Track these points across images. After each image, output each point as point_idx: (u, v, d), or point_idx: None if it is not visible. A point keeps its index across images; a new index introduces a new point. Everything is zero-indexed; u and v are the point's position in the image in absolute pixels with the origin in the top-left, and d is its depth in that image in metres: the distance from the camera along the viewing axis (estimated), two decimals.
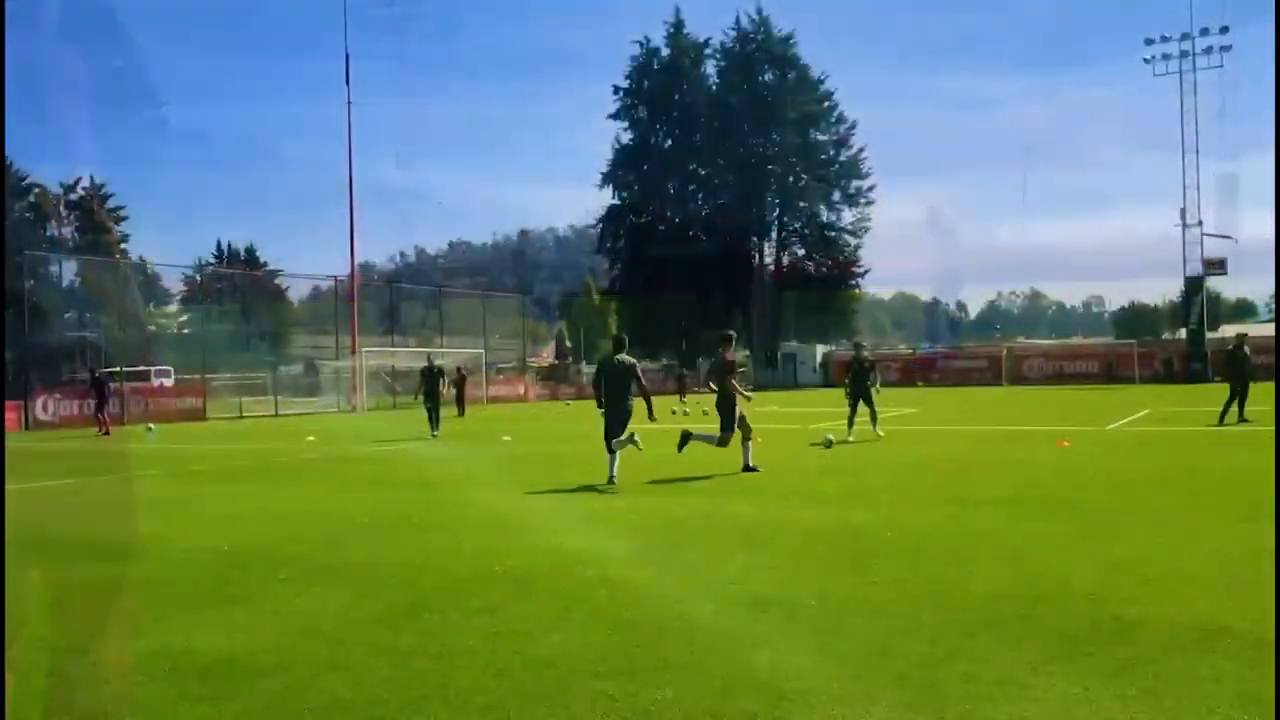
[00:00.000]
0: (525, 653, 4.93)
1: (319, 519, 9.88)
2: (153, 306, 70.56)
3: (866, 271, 72.87)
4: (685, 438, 13.29)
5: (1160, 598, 5.66)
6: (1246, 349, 20.99)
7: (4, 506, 9.33)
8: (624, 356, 12.87)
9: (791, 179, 69.63)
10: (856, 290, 74.47)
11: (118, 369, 37.89)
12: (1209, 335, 56.33)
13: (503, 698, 4.30)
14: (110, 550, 8.34)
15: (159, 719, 4.26)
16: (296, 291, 72.65)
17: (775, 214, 71.52)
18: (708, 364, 13.89)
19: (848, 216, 71.32)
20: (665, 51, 69.83)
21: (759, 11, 69.27)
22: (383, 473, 14.76)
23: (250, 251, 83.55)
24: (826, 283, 70.62)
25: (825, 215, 70.99)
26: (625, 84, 70.33)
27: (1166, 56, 55.59)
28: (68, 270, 59.44)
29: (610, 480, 11.95)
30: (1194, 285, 55.92)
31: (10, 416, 30.12)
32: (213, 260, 78.25)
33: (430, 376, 23.46)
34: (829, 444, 16.44)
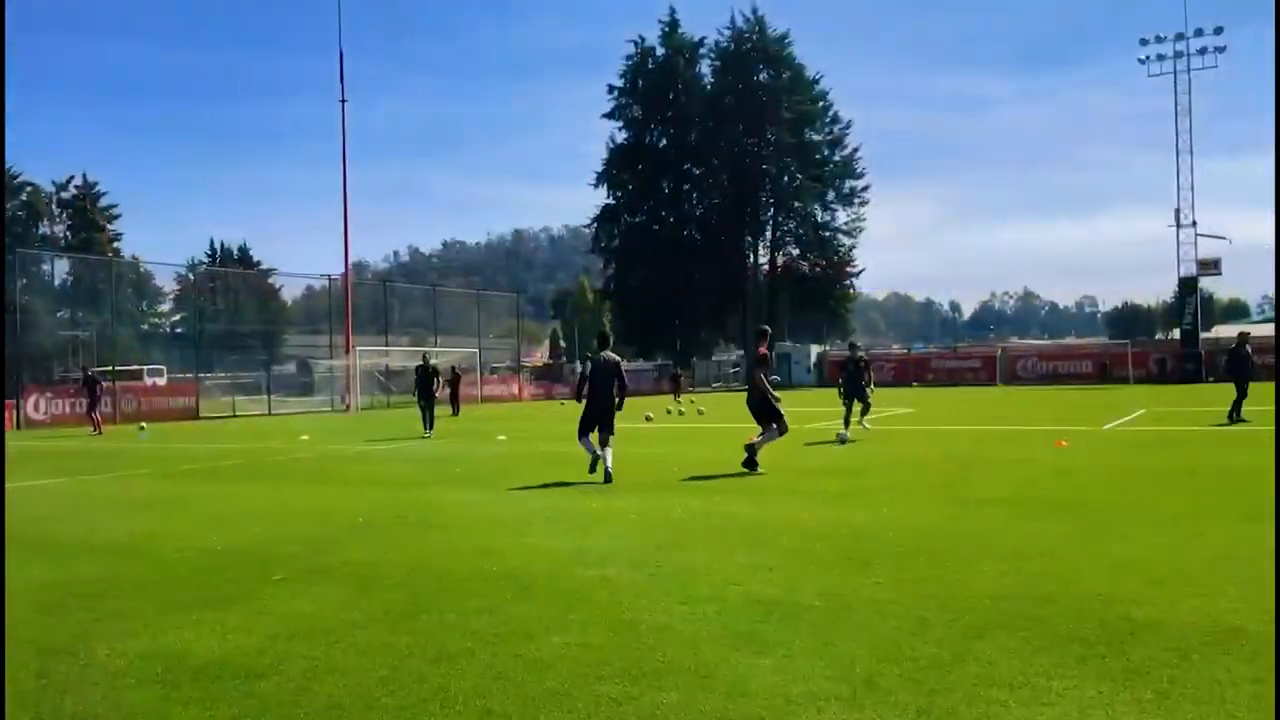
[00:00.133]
0: (525, 655, 4.83)
1: (314, 518, 9.77)
2: (145, 305, 70.39)
3: (861, 271, 73.11)
4: (751, 455, 12.98)
5: (1169, 599, 5.57)
6: (1248, 347, 20.95)
7: (4, 506, 9.26)
8: (609, 353, 13.18)
9: (786, 179, 69.66)
10: (850, 290, 74.48)
11: (110, 368, 37.71)
12: (1202, 335, 56.42)
13: (503, 701, 4.20)
14: (101, 550, 8.21)
15: None
16: (290, 291, 72.55)
17: (769, 214, 71.54)
18: (750, 361, 13.97)
19: (842, 216, 71.52)
20: (660, 51, 69.83)
21: (754, 11, 69.45)
22: (377, 472, 14.65)
23: (243, 250, 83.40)
24: (820, 282, 70.67)
25: (820, 215, 71.07)
26: (620, 83, 70.32)
27: (1161, 57, 55.76)
28: (60, 269, 59.25)
29: (595, 472, 12.36)
30: (1188, 285, 55.99)
31: None
32: (206, 259, 78.08)
33: (424, 375, 23.35)
34: (843, 440, 16.62)
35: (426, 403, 22.93)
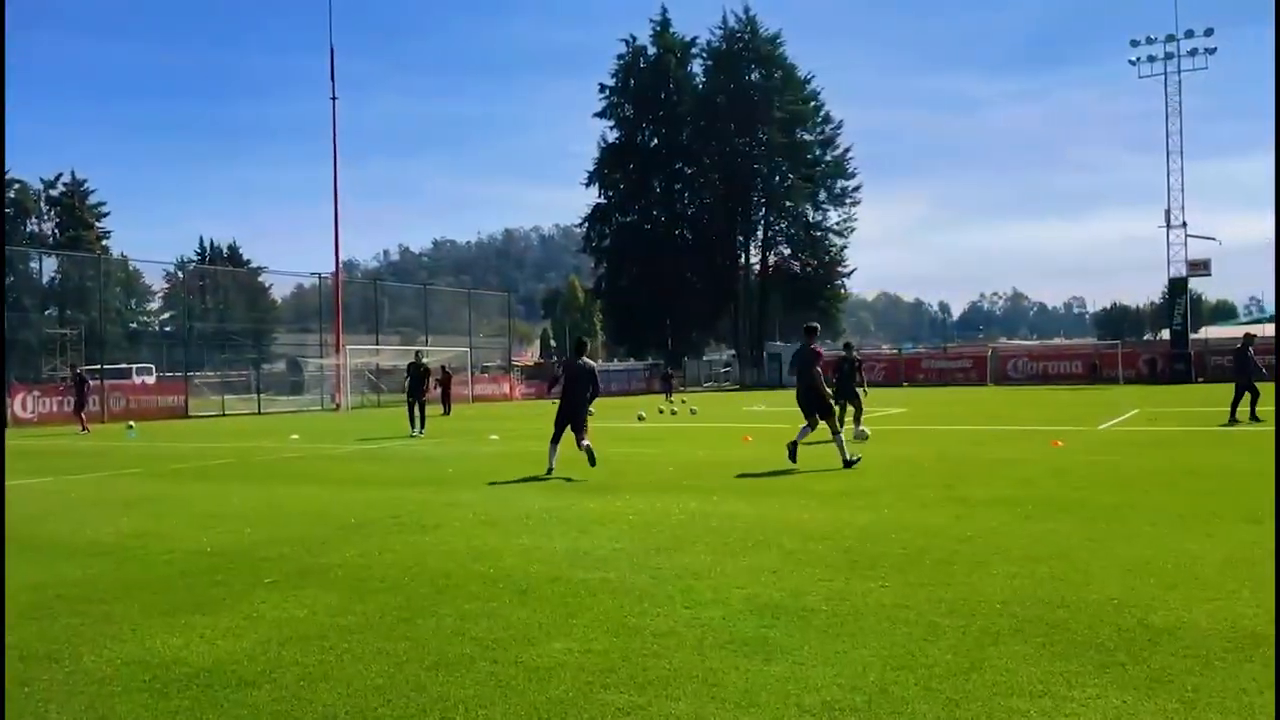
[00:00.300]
0: (526, 661, 4.68)
1: (305, 519, 9.59)
2: (134, 304, 69.97)
3: (852, 271, 72.98)
4: (849, 463, 13.06)
5: (1185, 603, 5.45)
6: (1251, 349, 20.87)
7: (4, 506, 9.07)
8: (586, 360, 13.83)
9: (777, 178, 69.52)
10: (842, 290, 74.41)
11: (98, 366, 37.40)
12: (1191, 336, 56.49)
13: (506, 711, 4.05)
14: (87, 551, 8.02)
15: None
16: (279, 289, 72.24)
17: (761, 213, 71.40)
18: (795, 355, 13.99)
19: (833, 216, 71.35)
20: (652, 50, 69.63)
21: (746, 11, 69.29)
22: (369, 472, 14.47)
23: (233, 249, 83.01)
24: (811, 282, 70.51)
25: (811, 215, 70.93)
26: (611, 82, 70.09)
27: (1152, 58, 55.74)
28: (48, 266, 58.79)
29: (548, 474, 12.82)
30: (1178, 286, 56.05)
31: None
32: (195, 257, 77.66)
33: (416, 374, 23.14)
34: (863, 436, 16.47)
35: (414, 399, 22.73)
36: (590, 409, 14.43)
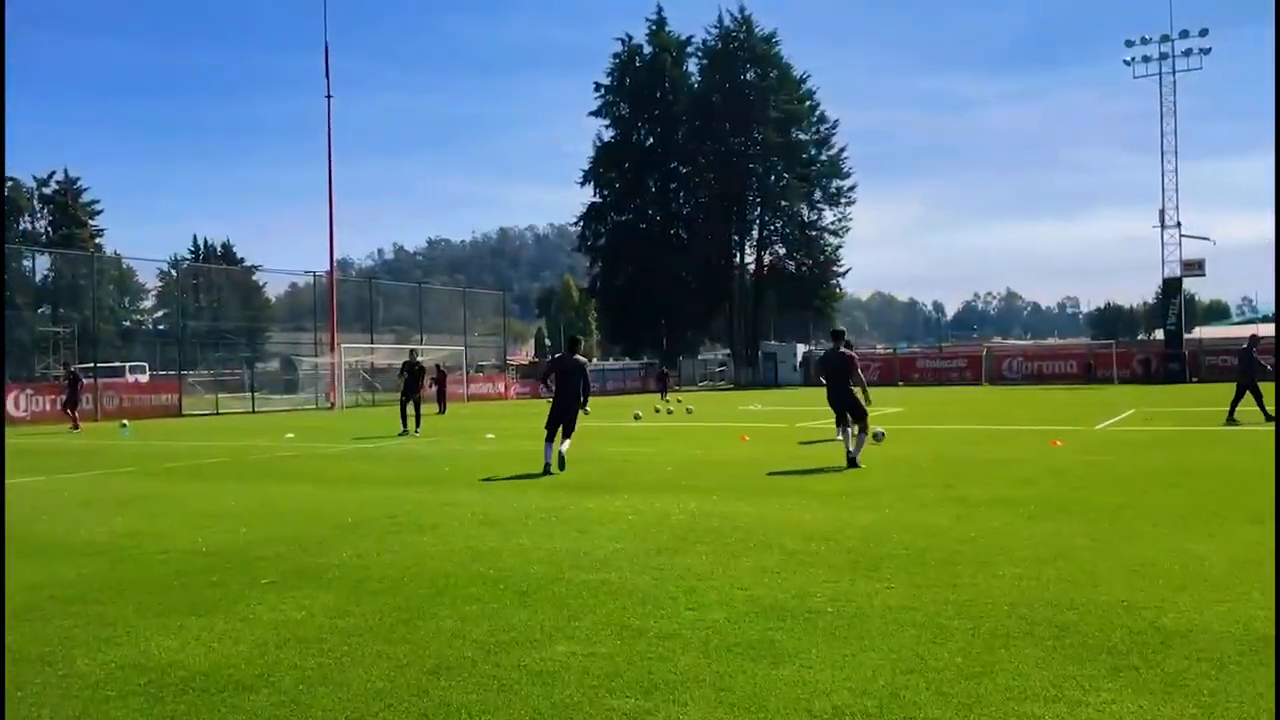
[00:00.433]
0: (529, 665, 4.60)
1: (301, 518, 9.49)
2: (127, 302, 69.74)
3: (847, 271, 72.95)
4: (852, 459, 13.10)
5: (1194, 605, 5.38)
6: (1256, 350, 20.77)
7: (4, 505, 8.96)
8: (579, 356, 14.10)
9: (773, 178, 69.45)
10: (837, 289, 74.37)
11: (92, 364, 37.23)
12: (1185, 336, 56.54)
13: (510, 716, 3.96)
14: (81, 551, 7.92)
15: None
16: (274, 288, 72.04)
17: (756, 212, 71.32)
18: (823, 358, 14.08)
19: (828, 216, 71.32)
20: (647, 49, 69.53)
21: (741, 10, 69.15)
22: (365, 471, 14.37)
23: (227, 247, 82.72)
24: (807, 282, 70.47)
25: (806, 214, 70.86)
26: (607, 81, 69.97)
27: (1147, 59, 55.76)
28: (41, 265, 58.59)
29: (547, 469, 13.11)
30: (1172, 286, 56.08)
31: None
32: (189, 255, 77.40)
33: (412, 372, 23.01)
34: (880, 437, 16.00)
35: (407, 398, 22.58)
36: (585, 408, 14.42)
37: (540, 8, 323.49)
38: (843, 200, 70.64)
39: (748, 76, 69.20)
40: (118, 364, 49.49)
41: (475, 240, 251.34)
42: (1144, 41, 55.76)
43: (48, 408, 31.54)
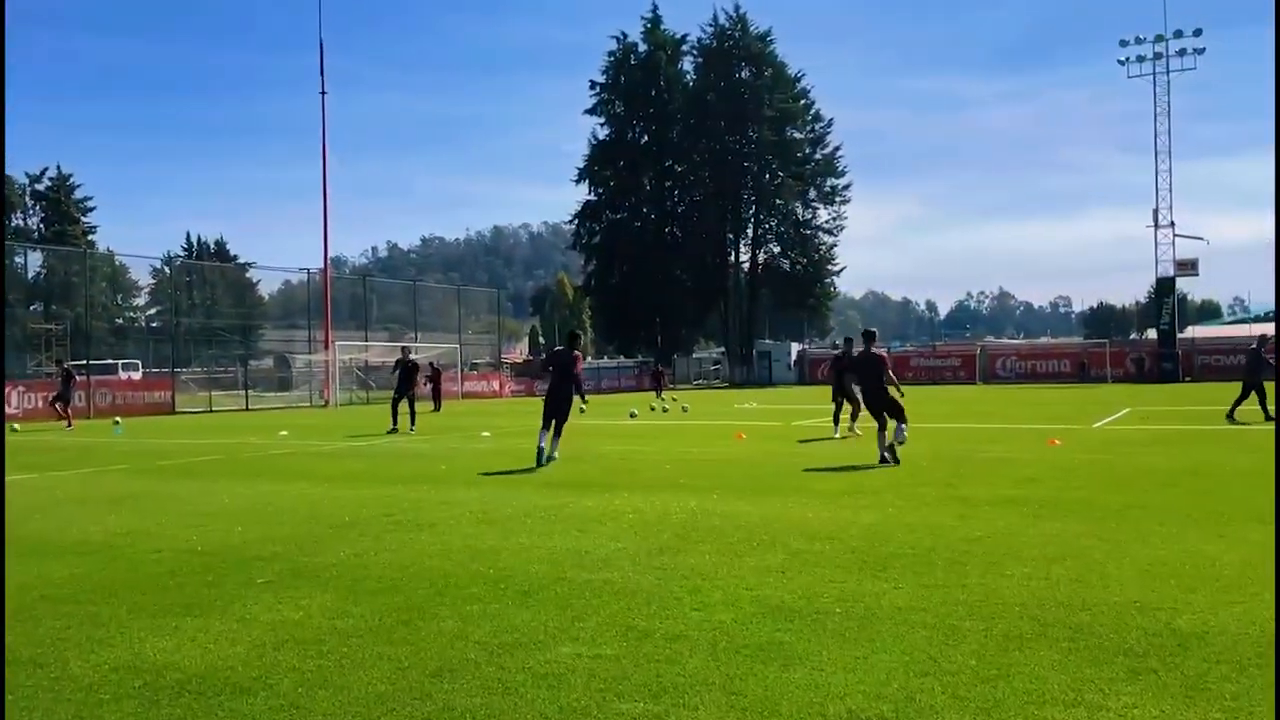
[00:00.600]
0: (534, 668, 4.49)
1: (296, 517, 9.37)
2: (120, 299, 69.43)
3: (842, 269, 72.86)
4: (886, 458, 13.09)
5: (1209, 606, 5.29)
6: (1265, 349, 20.66)
7: (4, 504, 8.81)
8: (576, 352, 14.54)
9: (767, 176, 69.32)
10: (831, 288, 74.31)
11: (84, 362, 37.01)
12: (1178, 336, 56.61)
13: None
14: (73, 550, 7.79)
15: None
16: (267, 285, 71.72)
17: (751, 211, 71.15)
18: (857, 360, 14.04)
19: (823, 215, 71.15)
20: (642, 47, 69.33)
21: (736, 9, 68.94)
22: (360, 468, 14.24)
23: (220, 244, 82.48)
24: (801, 281, 70.37)
25: (801, 213, 70.73)
26: (602, 79, 69.78)
27: (1141, 58, 55.80)
28: (33, 261, 58.28)
29: (542, 460, 13.54)
30: (1165, 285, 56.13)
31: None
32: (182, 252, 77.11)
33: (404, 369, 22.83)
34: (900, 437, 15.39)
35: (399, 396, 22.40)
36: (581, 406, 14.59)
37: (536, 6, 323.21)
38: (837, 199, 70.54)
39: (743, 75, 69.04)
40: (110, 361, 49.27)
41: (469, 238, 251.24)
42: (1138, 41, 55.81)
43: (40, 405, 31.32)
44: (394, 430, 21.59)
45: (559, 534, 8.06)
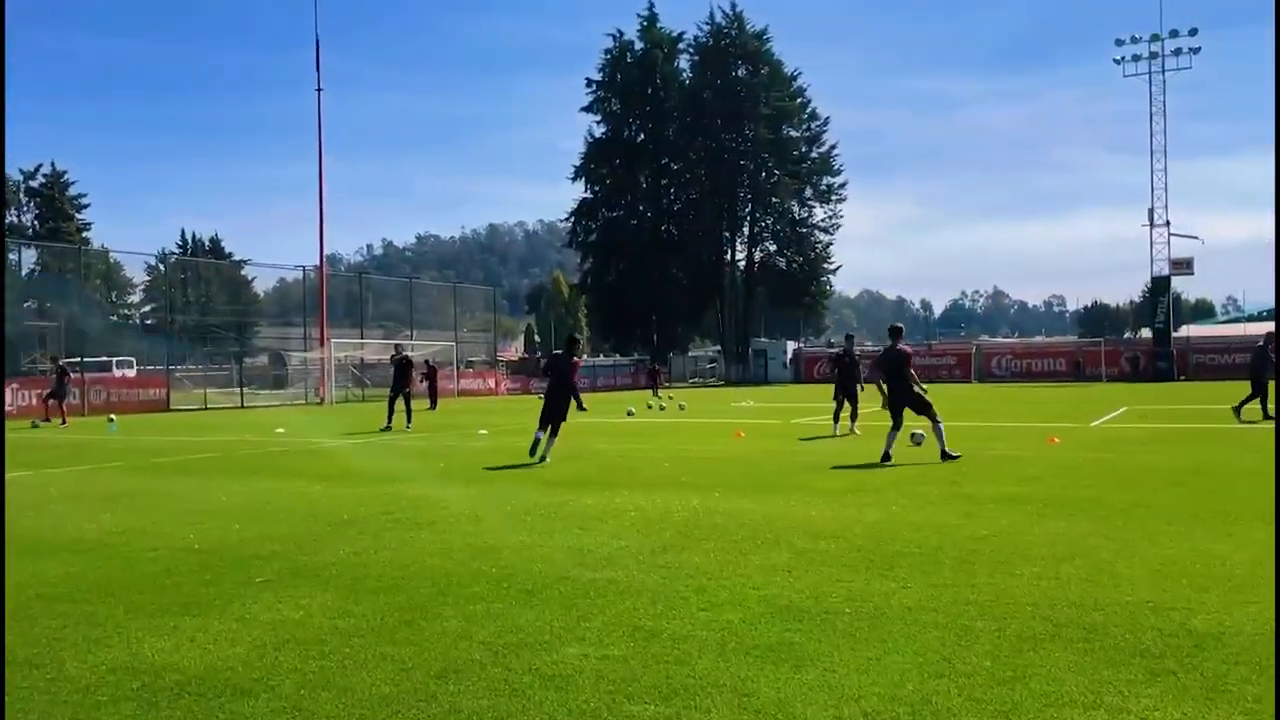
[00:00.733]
0: (541, 669, 4.40)
1: (294, 515, 9.27)
2: (115, 296, 69.15)
3: (838, 268, 72.81)
4: (945, 454, 13.14)
5: (1223, 606, 5.22)
6: (1271, 348, 20.52)
7: (4, 503, 8.69)
8: (576, 358, 14.82)
9: (764, 174, 69.23)
10: (827, 287, 74.24)
11: (78, 359, 36.82)
12: (1173, 335, 56.64)
13: None
14: (68, 548, 7.69)
15: None
16: (262, 283, 71.50)
17: (747, 209, 71.08)
18: (885, 357, 13.97)
19: (819, 213, 71.11)
20: (639, 45, 69.22)
21: (733, 7, 68.85)
22: (358, 466, 14.14)
23: (215, 242, 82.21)
24: (797, 279, 70.29)
25: (797, 211, 70.69)
26: (598, 77, 69.67)
27: (1137, 58, 55.78)
28: (27, 258, 58.04)
29: (536, 452, 13.66)
30: (1160, 285, 56.15)
31: None
32: (177, 250, 76.85)
33: (399, 366, 22.70)
34: (919, 440, 14.94)
35: (395, 394, 22.27)
36: (580, 409, 14.57)
37: (532, 5, 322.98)
38: (833, 197, 70.49)
39: (739, 73, 68.94)
40: (104, 358, 49.04)
41: (465, 236, 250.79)
42: (1134, 40, 55.80)
43: (34, 402, 31.15)
44: (388, 428, 21.48)
45: (560, 532, 7.97)
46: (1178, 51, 54.96)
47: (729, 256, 71.79)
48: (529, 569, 6.54)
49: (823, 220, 70.88)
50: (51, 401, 27.36)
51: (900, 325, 15.13)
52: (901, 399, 13.63)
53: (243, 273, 66.72)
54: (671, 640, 4.79)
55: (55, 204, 73.21)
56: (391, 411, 22.10)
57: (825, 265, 71.61)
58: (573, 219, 71.09)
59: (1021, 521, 8.06)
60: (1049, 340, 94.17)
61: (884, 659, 4.44)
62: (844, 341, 20.05)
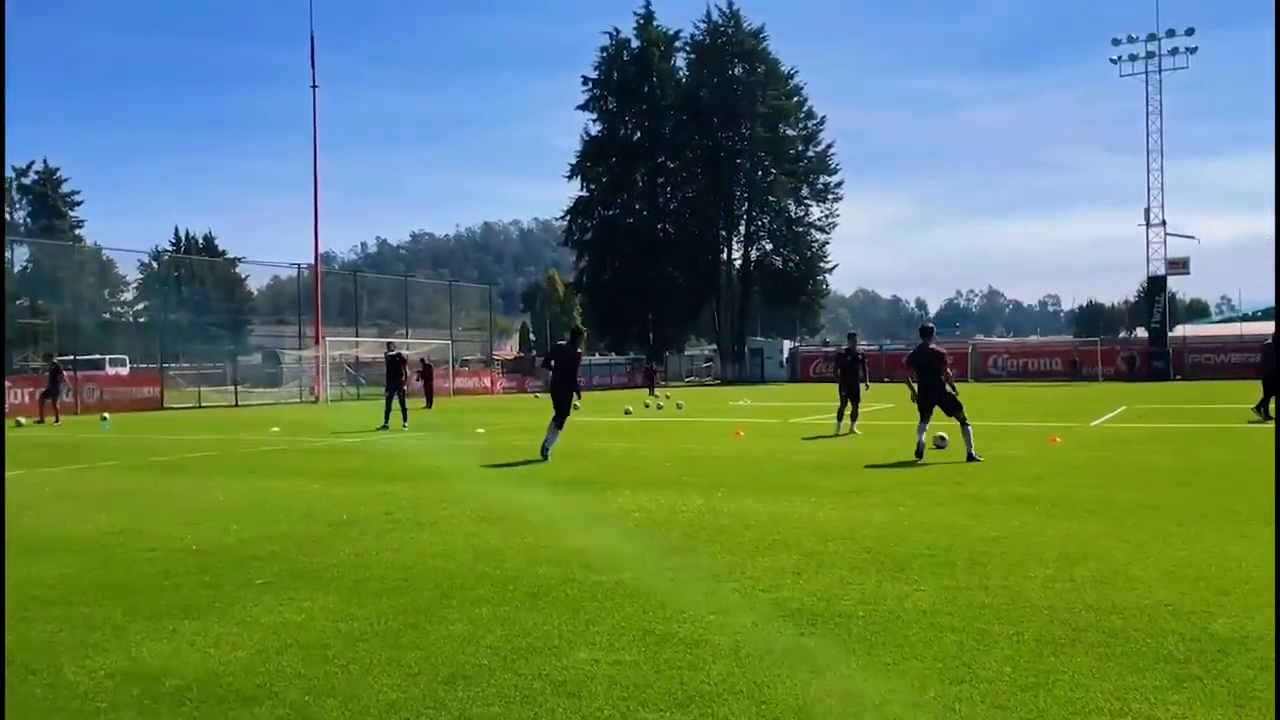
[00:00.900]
0: (551, 674, 4.30)
1: (293, 515, 9.15)
2: (108, 293, 68.87)
3: (834, 267, 72.76)
4: (972, 456, 12.99)
5: (1243, 609, 5.13)
6: None
7: (4, 502, 8.56)
8: (580, 350, 14.93)
9: (760, 173, 69.21)
10: (823, 286, 74.21)
11: (71, 357, 36.62)
12: (1169, 334, 56.67)
13: None
14: (64, 549, 7.56)
15: None
16: (256, 281, 71.32)
17: (743, 208, 71.06)
18: (915, 356, 13.91)
19: (815, 212, 71.14)
20: (635, 43, 69.13)
21: (730, 5, 68.78)
22: (356, 465, 14.01)
23: (209, 239, 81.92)
24: (793, 278, 70.25)
25: (793, 210, 70.67)
26: (595, 75, 69.55)
27: (1134, 57, 55.81)
28: (20, 255, 57.74)
29: (543, 454, 13.71)
30: (1156, 284, 56.18)
31: None
32: (170, 247, 76.56)
33: (392, 364, 22.54)
34: (942, 444, 14.26)
35: (390, 393, 22.09)
36: (576, 403, 14.55)
37: (528, 3, 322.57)
38: (830, 196, 70.51)
39: (735, 71, 68.93)
40: (97, 356, 48.81)
41: (459, 234, 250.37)
42: (1130, 40, 55.83)
43: (27, 400, 30.97)
44: (385, 427, 21.34)
45: (563, 533, 7.86)
46: (1174, 51, 55.02)
47: (725, 255, 71.76)
48: (534, 571, 6.44)
49: (819, 219, 70.96)
50: (48, 401, 27.21)
51: (931, 325, 15.21)
52: (933, 397, 13.63)
53: (236, 270, 66.53)
54: (684, 645, 4.69)
55: (48, 201, 72.96)
56: (388, 410, 21.95)
57: (821, 264, 71.63)
58: (568, 217, 70.99)
59: (1031, 522, 7.97)
60: (1045, 340, 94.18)
61: (902, 664, 4.34)
62: (847, 340, 19.93)
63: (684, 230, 69.99)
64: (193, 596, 5.94)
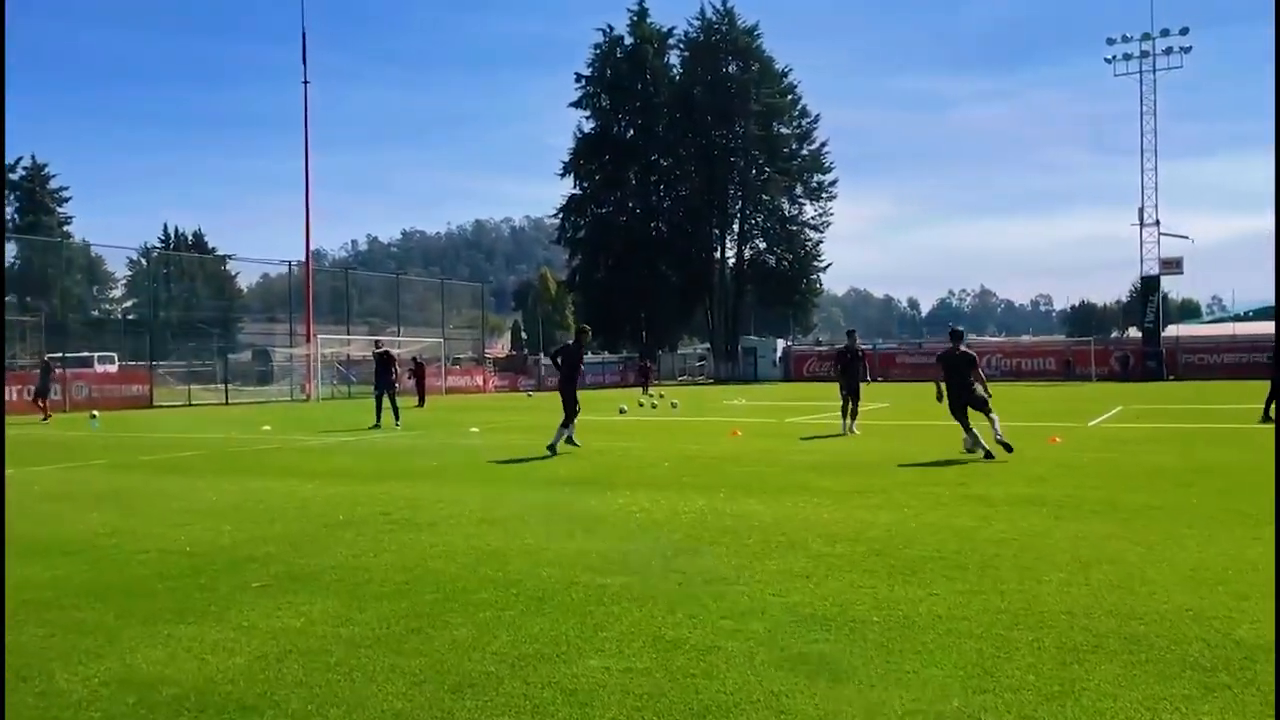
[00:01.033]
0: (561, 683, 4.16)
1: (288, 515, 8.99)
2: (96, 291, 68.46)
3: (828, 266, 72.68)
4: (972, 449, 13.35)
5: (1265, 615, 5.01)
6: None
7: (4, 502, 8.37)
8: (578, 347, 15.62)
9: (754, 171, 69.01)
10: (817, 285, 74.12)
11: (60, 354, 36.35)
12: (1161, 334, 56.72)
13: None
14: (55, 550, 7.40)
15: None
16: (246, 278, 70.85)
17: (737, 206, 70.88)
18: (946, 358, 13.88)
19: (809, 210, 70.99)
20: (629, 40, 68.89)
21: (724, 3, 68.58)
22: (350, 464, 13.85)
23: (198, 236, 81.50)
24: (787, 277, 70.14)
25: (787, 209, 70.54)
26: (588, 72, 69.31)
27: (1128, 56, 55.80)
28: (8, 252, 57.31)
29: (550, 449, 14.30)
30: (1150, 284, 56.21)
31: None
32: (159, 244, 76.14)
33: (381, 361, 22.32)
34: (970, 446, 13.73)
35: (381, 392, 21.88)
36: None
37: (521, 1, 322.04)
38: (823, 195, 70.39)
39: (729, 69, 68.73)
40: (86, 354, 48.47)
41: (450, 232, 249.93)
42: (1125, 40, 55.81)
43: (15, 397, 30.69)
44: (377, 426, 21.16)
45: (565, 535, 7.72)
46: (1169, 50, 55.01)
47: (718, 254, 71.57)
48: (537, 574, 6.30)
49: (813, 218, 70.82)
50: (40, 399, 26.98)
51: (961, 329, 15.20)
52: (964, 398, 13.71)
53: (226, 268, 65.95)
54: (697, 652, 4.56)
55: (36, 197, 72.48)
56: (379, 409, 21.75)
57: (815, 263, 71.50)
58: (561, 215, 70.72)
59: (1039, 524, 7.86)
60: (1039, 339, 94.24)
61: (923, 672, 4.22)
62: (846, 337, 19.85)
63: (677, 228, 69.80)
64: (187, 600, 5.79)
